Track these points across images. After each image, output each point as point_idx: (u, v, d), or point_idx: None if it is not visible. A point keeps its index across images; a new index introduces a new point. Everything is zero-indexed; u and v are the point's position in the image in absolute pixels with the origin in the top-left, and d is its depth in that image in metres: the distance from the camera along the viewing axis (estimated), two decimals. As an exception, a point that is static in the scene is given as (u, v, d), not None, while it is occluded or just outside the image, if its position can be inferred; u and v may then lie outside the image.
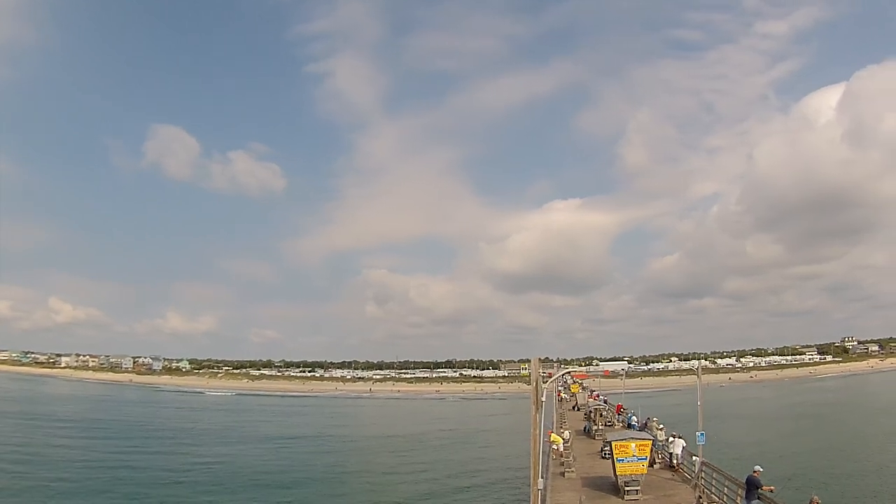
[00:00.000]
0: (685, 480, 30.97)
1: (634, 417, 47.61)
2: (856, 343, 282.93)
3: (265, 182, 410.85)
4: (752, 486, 22.39)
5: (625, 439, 28.53)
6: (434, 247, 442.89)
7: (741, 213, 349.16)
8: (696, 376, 37.15)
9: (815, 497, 21.12)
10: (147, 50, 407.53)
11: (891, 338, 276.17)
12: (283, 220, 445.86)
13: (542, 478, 14.08)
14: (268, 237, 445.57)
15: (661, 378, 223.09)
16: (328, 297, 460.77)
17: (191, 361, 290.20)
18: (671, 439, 34.14)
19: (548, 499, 27.25)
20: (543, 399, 14.01)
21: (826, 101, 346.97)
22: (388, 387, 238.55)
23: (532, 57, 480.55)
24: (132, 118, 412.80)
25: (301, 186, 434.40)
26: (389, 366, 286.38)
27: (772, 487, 22.28)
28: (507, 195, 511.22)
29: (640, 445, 27.82)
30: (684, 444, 33.30)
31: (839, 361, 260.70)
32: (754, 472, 22.49)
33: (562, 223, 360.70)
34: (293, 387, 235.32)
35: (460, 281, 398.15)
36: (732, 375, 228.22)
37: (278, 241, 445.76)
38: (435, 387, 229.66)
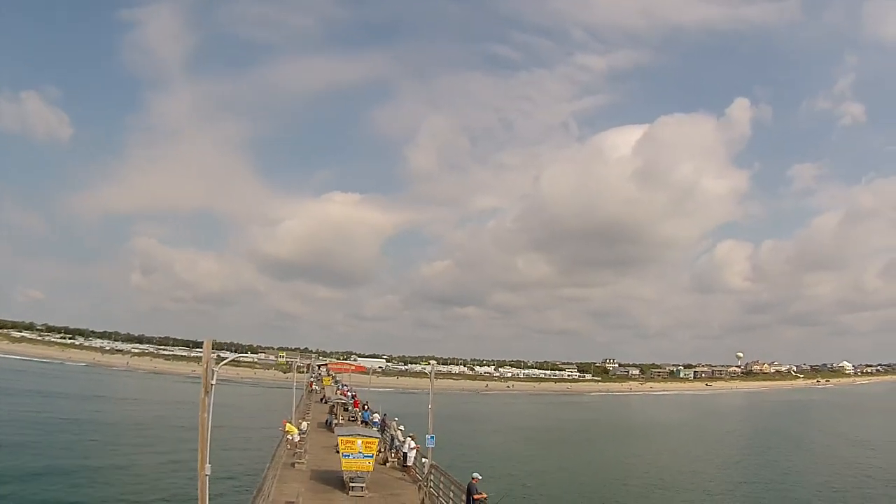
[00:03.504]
0: (416, 481, 30.57)
1: (376, 415, 47.09)
2: (617, 365, 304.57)
3: (52, 129, 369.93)
4: (469, 492, 22.14)
5: (351, 435, 27.52)
6: (209, 221, 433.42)
7: (517, 230, 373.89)
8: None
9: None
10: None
11: (653, 364, 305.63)
12: (65, 173, 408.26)
13: (208, 463, 12.40)
14: (47, 188, 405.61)
15: (418, 379, 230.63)
16: (98, 260, 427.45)
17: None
18: (406, 439, 33.69)
19: (273, 489, 25.63)
20: (213, 382, 12.32)
21: (625, 139, 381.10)
22: (146, 362, 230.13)
23: (345, 44, 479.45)
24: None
25: (88, 138, 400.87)
26: (149, 340, 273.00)
27: (483, 495, 22.09)
28: (289, 179, 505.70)
29: (367, 442, 26.81)
30: (415, 445, 32.96)
31: (598, 381, 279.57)
32: (473, 479, 22.20)
33: (338, 216, 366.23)
34: (52, 353, 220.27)
35: (228, 260, 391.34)
36: (490, 384, 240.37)
37: (56, 193, 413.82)
38: (192, 366, 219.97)
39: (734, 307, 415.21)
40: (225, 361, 13.91)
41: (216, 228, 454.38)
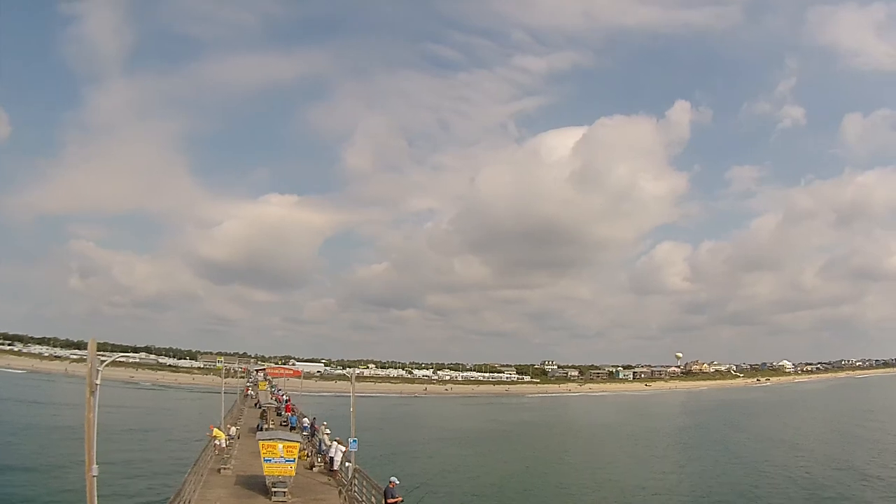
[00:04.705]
0: (341, 485, 30.82)
1: (305, 419, 46.98)
2: (556, 367, 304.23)
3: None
4: (386, 496, 22.47)
5: (272, 439, 27.38)
6: (145, 223, 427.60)
7: (453, 231, 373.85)
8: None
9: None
10: None
11: (592, 365, 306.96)
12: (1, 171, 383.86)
13: (95, 464, 12.64)
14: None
15: (356, 383, 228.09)
16: (35, 263, 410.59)
17: None
18: (332, 444, 33.86)
19: (195, 494, 25.57)
20: (98, 382, 12.62)
21: (563, 141, 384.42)
22: (84, 368, 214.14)
23: (283, 41, 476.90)
24: None
25: (25, 136, 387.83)
26: (87, 346, 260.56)
27: (399, 499, 22.43)
28: (225, 180, 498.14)
29: (288, 447, 26.76)
30: (342, 450, 33.19)
31: (537, 382, 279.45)
32: (390, 483, 22.54)
33: (275, 217, 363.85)
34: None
35: (164, 262, 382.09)
36: (429, 387, 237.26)
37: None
38: (129, 372, 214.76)
39: (673, 308, 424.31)
40: (107, 362, 14.05)
41: (153, 230, 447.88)
